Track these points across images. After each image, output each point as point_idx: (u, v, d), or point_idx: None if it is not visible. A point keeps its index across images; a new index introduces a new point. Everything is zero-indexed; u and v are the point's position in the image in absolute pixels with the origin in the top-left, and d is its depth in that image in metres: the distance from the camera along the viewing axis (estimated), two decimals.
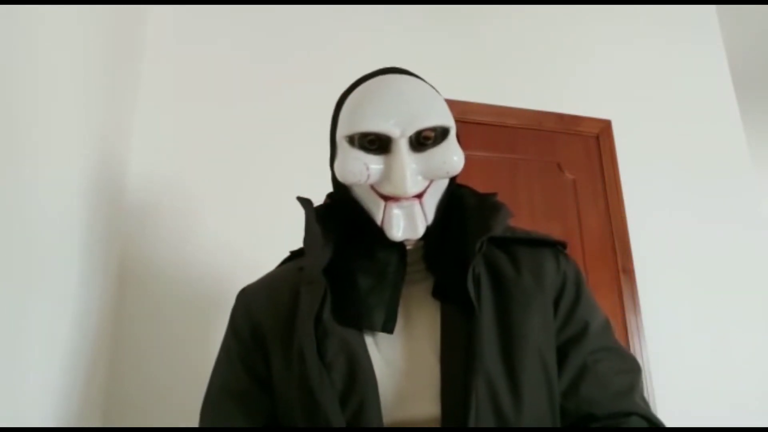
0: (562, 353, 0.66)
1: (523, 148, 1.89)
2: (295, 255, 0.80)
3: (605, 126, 2.01)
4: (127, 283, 1.35)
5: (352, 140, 0.65)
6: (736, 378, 1.86)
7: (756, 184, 2.18)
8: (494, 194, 0.74)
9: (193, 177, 1.49)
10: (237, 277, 1.43)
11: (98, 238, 1.15)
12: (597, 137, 1.99)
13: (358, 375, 0.60)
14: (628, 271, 1.85)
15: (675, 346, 1.83)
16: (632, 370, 0.68)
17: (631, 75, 2.13)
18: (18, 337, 0.77)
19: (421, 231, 0.64)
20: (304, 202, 0.73)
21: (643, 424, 0.63)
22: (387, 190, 0.63)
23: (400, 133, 0.62)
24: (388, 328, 0.64)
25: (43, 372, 0.87)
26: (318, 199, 0.76)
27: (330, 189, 0.75)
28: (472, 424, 0.56)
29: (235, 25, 1.65)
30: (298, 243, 0.79)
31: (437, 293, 0.66)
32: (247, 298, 0.75)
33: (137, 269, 1.37)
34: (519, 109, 1.89)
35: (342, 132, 0.66)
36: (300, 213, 0.73)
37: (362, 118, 0.64)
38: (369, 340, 0.64)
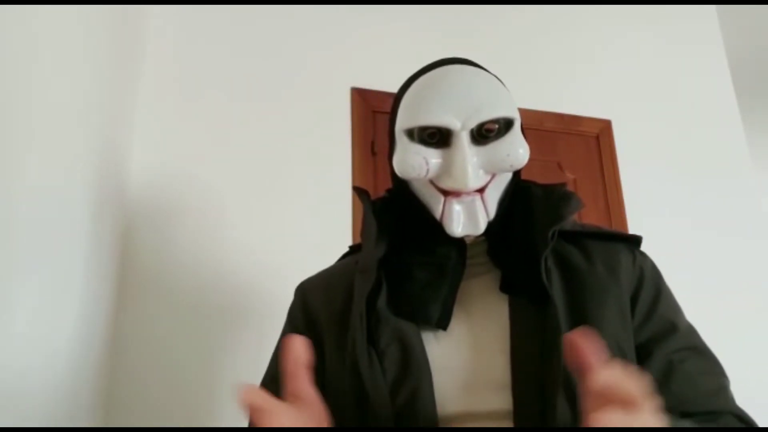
0: (645, 352, 0.62)
1: None
2: (354, 250, 0.79)
3: (605, 126, 2.01)
4: (128, 284, 1.35)
5: (411, 134, 0.63)
6: (737, 377, 1.86)
7: (756, 185, 2.17)
8: (563, 184, 0.71)
9: (194, 177, 1.48)
10: (243, 277, 1.45)
11: (101, 239, 1.15)
12: (597, 137, 1.99)
13: (412, 362, 0.59)
14: None
15: None
16: (721, 374, 0.65)
17: (631, 75, 2.13)
18: (19, 338, 0.77)
19: (482, 227, 0.62)
20: (362, 193, 0.71)
21: (738, 424, 0.60)
22: (447, 184, 0.61)
23: (461, 125, 0.60)
24: (443, 324, 0.62)
25: (44, 374, 0.87)
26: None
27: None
28: (549, 419, 0.54)
29: (236, 24, 1.65)
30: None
31: (505, 287, 0.63)
32: (304, 292, 0.75)
33: (137, 269, 1.37)
34: (519, 108, 1.88)
35: (401, 125, 0.65)
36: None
37: (421, 111, 0.62)
38: (427, 332, 0.62)
